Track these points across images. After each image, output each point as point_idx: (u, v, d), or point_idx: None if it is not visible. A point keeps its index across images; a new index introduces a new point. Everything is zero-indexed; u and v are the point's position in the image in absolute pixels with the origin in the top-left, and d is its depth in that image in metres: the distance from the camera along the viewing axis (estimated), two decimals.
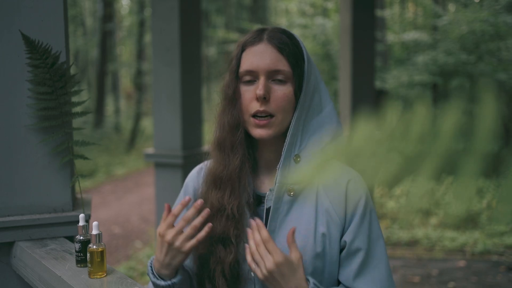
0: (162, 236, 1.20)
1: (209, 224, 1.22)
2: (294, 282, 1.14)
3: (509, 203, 0.44)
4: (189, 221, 1.21)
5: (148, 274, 1.28)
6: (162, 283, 1.24)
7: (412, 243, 5.67)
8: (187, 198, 1.23)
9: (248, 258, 1.18)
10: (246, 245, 1.19)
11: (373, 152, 0.46)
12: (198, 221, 1.20)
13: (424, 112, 0.46)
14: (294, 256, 1.16)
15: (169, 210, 1.24)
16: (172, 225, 1.21)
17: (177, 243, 1.19)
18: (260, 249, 1.15)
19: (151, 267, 1.27)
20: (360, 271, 1.24)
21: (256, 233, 1.16)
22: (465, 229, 5.89)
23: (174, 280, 1.24)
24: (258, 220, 1.18)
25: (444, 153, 0.44)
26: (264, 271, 1.13)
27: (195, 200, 1.36)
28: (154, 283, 1.26)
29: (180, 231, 1.20)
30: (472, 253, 5.25)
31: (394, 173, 0.45)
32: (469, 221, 6.02)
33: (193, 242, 1.19)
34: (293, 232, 1.16)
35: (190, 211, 1.22)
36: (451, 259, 5.12)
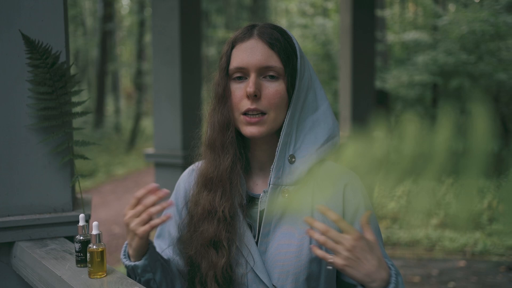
0: (124, 215, 1.22)
1: (168, 215, 1.22)
2: (376, 260, 1.07)
3: (509, 203, 0.44)
4: (147, 207, 1.20)
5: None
6: (125, 262, 1.27)
7: (412, 243, 5.66)
8: (153, 185, 1.23)
9: (319, 252, 1.11)
10: (311, 246, 1.15)
11: (368, 170, 0.46)
12: (155, 209, 1.19)
13: (414, 132, 0.46)
14: (369, 236, 1.11)
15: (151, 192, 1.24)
16: (134, 207, 1.21)
17: (132, 225, 1.19)
18: (331, 234, 1.08)
19: (125, 247, 1.29)
20: None
21: (316, 223, 1.11)
22: (466, 230, 5.88)
23: (137, 262, 1.24)
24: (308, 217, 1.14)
25: (436, 171, 0.44)
26: (345, 253, 1.06)
27: (187, 202, 1.33)
28: (122, 261, 1.29)
29: (137, 215, 1.20)
30: (472, 253, 5.25)
31: (391, 186, 0.45)
32: (470, 222, 6.01)
33: (146, 227, 1.18)
34: (367, 217, 1.13)
35: (150, 198, 1.21)
36: (451, 259, 5.12)
